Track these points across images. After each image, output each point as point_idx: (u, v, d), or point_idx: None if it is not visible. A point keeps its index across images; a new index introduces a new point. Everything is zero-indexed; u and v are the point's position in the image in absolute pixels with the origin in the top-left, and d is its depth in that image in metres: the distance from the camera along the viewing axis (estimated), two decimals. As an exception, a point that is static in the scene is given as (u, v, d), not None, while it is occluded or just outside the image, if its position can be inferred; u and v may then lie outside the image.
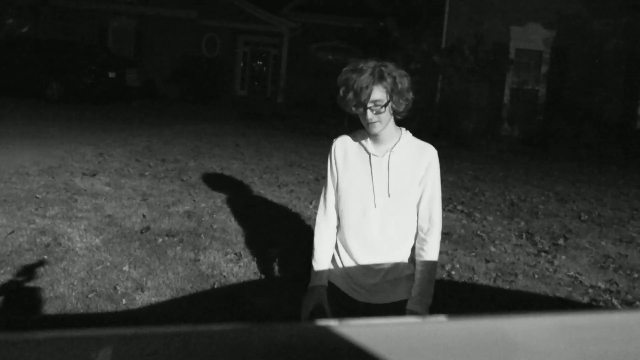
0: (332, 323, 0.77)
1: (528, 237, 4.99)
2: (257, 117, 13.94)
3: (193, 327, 0.73)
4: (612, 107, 13.03)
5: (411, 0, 15.97)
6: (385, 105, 1.83)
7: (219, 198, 5.52)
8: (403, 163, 1.92)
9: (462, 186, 7.09)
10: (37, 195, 5.11)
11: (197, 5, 19.31)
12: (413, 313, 1.92)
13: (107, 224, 4.49)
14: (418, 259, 1.96)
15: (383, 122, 1.85)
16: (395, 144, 1.92)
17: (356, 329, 0.78)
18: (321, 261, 2.04)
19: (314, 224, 2.11)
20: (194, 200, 5.36)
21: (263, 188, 6.15)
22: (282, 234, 4.58)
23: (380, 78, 1.81)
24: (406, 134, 1.96)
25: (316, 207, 5.66)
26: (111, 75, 14.85)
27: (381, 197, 1.92)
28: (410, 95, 1.88)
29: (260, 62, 21.37)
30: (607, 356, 0.75)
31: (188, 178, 6.35)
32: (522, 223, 5.44)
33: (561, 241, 4.89)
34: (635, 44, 13.18)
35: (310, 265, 2.08)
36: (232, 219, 4.85)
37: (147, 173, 6.46)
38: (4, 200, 4.87)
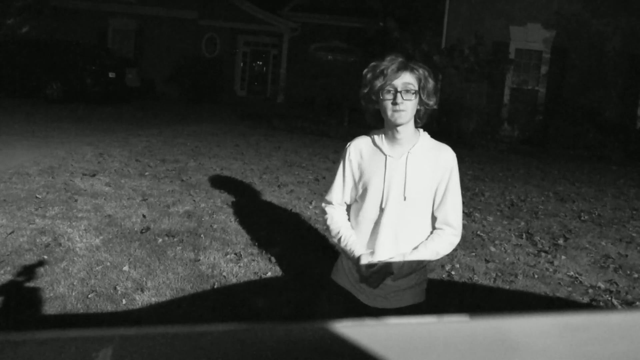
0: (333, 323, 0.77)
1: (528, 237, 4.99)
2: (257, 117, 13.94)
3: (193, 327, 0.73)
4: (612, 107, 13.03)
5: (411, 0, 15.98)
6: (416, 93, 1.79)
7: (219, 198, 5.52)
8: (421, 165, 1.85)
9: (462, 186, 7.06)
10: (37, 195, 5.11)
11: (197, 5, 19.32)
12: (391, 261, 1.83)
13: (107, 224, 4.49)
14: (424, 242, 1.88)
15: (409, 112, 1.79)
16: (414, 146, 1.85)
17: (356, 329, 0.78)
18: (351, 235, 1.92)
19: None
20: (194, 200, 5.36)
21: (263, 188, 6.15)
22: (282, 234, 4.57)
23: (412, 68, 1.80)
24: (424, 135, 1.90)
25: (316, 208, 5.63)
26: (111, 75, 14.85)
27: (395, 201, 1.85)
28: (435, 105, 1.85)
29: (260, 62, 21.38)
30: (607, 356, 0.75)
31: (188, 178, 6.35)
32: (522, 223, 5.44)
33: (561, 241, 4.88)
34: (635, 44, 13.17)
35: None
36: (232, 219, 4.85)
37: (147, 173, 6.46)
38: (4, 200, 4.87)
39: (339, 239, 1.94)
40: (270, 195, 5.86)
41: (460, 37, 12.50)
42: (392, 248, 1.87)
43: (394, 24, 12.73)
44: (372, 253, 1.88)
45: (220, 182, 6.32)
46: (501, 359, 0.74)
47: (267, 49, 20.93)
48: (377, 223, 1.88)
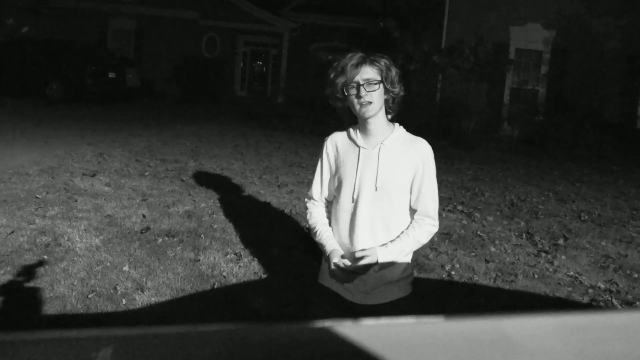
0: (332, 323, 0.77)
1: (528, 237, 4.99)
2: (257, 117, 13.94)
3: (193, 327, 0.73)
4: (612, 107, 13.04)
5: (411, 0, 15.97)
6: (379, 83, 1.81)
7: (219, 198, 5.52)
8: (394, 157, 1.86)
9: (462, 186, 7.09)
10: (37, 195, 5.11)
11: (197, 5, 19.32)
12: (370, 252, 1.82)
13: (107, 224, 4.49)
14: (405, 231, 1.89)
15: (376, 103, 1.81)
16: (387, 138, 1.87)
17: (356, 329, 0.78)
18: (326, 231, 1.95)
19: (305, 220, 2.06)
20: (194, 200, 5.36)
21: (263, 188, 6.15)
22: (282, 234, 4.57)
23: (371, 61, 1.83)
24: (399, 129, 1.91)
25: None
26: (111, 75, 14.85)
27: (367, 192, 1.86)
28: (401, 91, 1.87)
29: (260, 62, 21.37)
30: (607, 356, 0.75)
31: (188, 178, 6.35)
32: (522, 223, 5.44)
33: (561, 241, 4.89)
34: (635, 44, 13.17)
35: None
36: (232, 219, 4.85)
37: (147, 173, 6.46)
38: (4, 200, 4.87)
39: (315, 235, 1.98)
40: (270, 195, 5.86)
41: (460, 37, 12.49)
42: (369, 241, 1.87)
43: (394, 24, 12.71)
44: (343, 256, 1.89)
45: (220, 182, 6.32)
46: (501, 359, 0.74)
47: (267, 49, 20.93)
48: (353, 215, 1.88)
